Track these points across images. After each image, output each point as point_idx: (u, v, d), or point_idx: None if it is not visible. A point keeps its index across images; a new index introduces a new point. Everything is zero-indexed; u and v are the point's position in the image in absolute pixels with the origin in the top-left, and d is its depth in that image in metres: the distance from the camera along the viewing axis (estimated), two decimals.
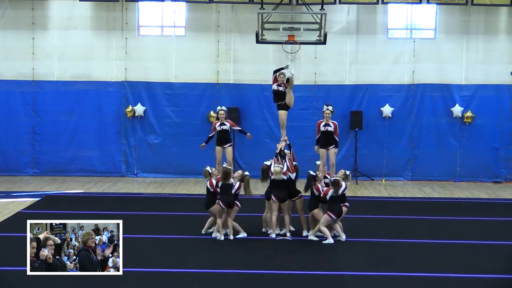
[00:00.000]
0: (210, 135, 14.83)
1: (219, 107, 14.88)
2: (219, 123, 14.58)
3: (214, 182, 13.07)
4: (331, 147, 14.45)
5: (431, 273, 10.83)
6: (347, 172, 13.26)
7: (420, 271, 10.97)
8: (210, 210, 13.13)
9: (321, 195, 12.80)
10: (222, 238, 12.84)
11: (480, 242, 13.03)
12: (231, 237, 12.87)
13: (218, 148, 14.68)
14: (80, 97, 20.73)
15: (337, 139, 14.56)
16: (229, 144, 14.75)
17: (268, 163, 13.34)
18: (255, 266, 11.18)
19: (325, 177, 13.53)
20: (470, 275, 10.84)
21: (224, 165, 13.30)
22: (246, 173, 13.32)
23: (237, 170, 13.80)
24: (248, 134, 15.01)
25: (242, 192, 13.09)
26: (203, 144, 14.88)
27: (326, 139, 14.44)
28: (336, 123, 14.55)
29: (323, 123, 14.47)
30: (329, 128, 14.39)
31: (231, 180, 12.98)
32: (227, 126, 14.57)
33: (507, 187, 20.12)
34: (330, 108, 14.42)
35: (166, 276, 10.64)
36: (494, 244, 12.91)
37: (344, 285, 10.31)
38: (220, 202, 12.89)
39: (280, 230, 13.34)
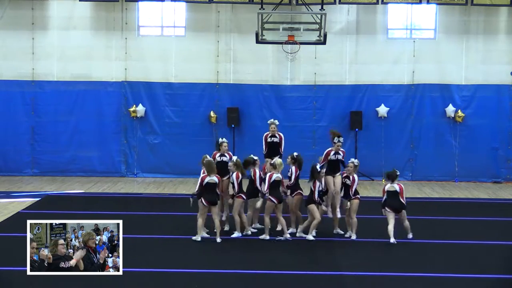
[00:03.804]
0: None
1: (221, 139, 13.82)
2: (219, 154, 13.64)
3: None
4: (338, 174, 13.50)
5: (431, 273, 10.83)
6: (356, 162, 13.20)
7: (420, 271, 10.97)
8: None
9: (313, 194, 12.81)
10: (199, 239, 12.63)
11: (480, 242, 13.03)
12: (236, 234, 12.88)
13: None
14: (80, 97, 20.73)
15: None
16: (226, 177, 13.49)
17: (255, 157, 13.24)
18: (255, 266, 11.18)
19: (346, 177, 13.17)
20: (470, 275, 10.84)
21: (207, 157, 12.97)
22: (234, 157, 13.25)
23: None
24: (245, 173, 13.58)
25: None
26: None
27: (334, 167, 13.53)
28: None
29: (333, 152, 13.52)
30: (339, 156, 13.56)
31: (214, 178, 12.62)
32: (226, 158, 13.61)
33: (507, 187, 20.12)
34: (341, 139, 13.54)
35: (166, 276, 10.63)
36: (494, 244, 12.92)
37: (343, 285, 10.30)
38: (203, 200, 12.61)
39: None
